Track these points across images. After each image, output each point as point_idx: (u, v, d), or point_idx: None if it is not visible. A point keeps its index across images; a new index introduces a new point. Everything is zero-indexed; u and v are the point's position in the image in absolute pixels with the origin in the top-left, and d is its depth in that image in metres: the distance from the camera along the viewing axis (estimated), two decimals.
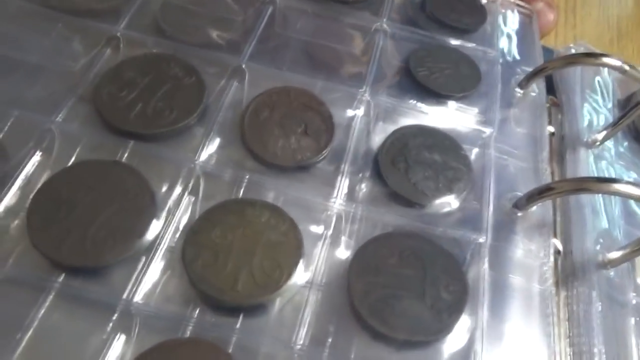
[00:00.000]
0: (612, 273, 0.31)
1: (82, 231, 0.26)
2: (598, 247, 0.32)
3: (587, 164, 0.36)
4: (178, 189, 0.29)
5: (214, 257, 0.26)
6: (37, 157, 0.28)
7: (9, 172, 0.27)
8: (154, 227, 0.27)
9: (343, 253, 0.28)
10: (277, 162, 0.30)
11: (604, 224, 0.34)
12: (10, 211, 0.26)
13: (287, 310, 0.26)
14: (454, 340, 0.25)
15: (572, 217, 0.33)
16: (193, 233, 0.27)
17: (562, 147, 0.37)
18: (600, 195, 0.34)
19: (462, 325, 0.26)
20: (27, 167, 0.28)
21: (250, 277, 0.26)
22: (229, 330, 0.25)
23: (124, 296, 0.25)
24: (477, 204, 0.31)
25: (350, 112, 0.34)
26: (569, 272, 0.31)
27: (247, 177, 0.30)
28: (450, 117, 0.35)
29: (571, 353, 0.27)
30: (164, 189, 0.29)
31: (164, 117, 0.30)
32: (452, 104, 0.36)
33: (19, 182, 0.27)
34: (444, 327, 0.25)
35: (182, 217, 0.28)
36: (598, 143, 0.37)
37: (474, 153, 0.33)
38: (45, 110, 0.30)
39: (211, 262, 0.26)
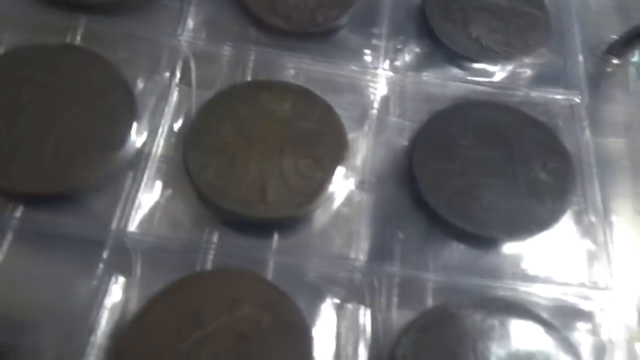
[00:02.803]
0: None
1: (38, 145, 0.18)
2: None
3: None
4: (161, 78, 0.21)
5: (229, 161, 0.19)
6: None
7: None
8: (138, 131, 0.19)
9: (397, 139, 0.21)
10: (291, 27, 0.22)
11: None
12: None
13: (336, 220, 0.19)
14: (562, 231, 0.19)
15: None
16: (195, 133, 0.19)
17: None
18: None
19: (570, 211, 0.19)
20: None
21: (282, 183, 0.19)
22: (263, 253, 0.18)
23: (113, 227, 0.18)
24: (559, 57, 0.23)
25: None
26: None
27: (254, 52, 0.22)
28: None
29: None
30: (142, 79, 0.21)
31: None
32: None
33: None
34: (550, 216, 0.19)
35: (175, 114, 0.20)
36: None
37: None
38: None
39: (226, 169, 0.19)
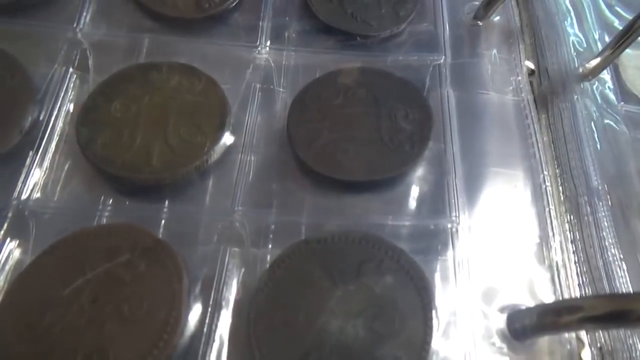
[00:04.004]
0: (595, 84, 0.27)
1: None
2: (575, 57, 0.27)
3: None
4: (60, 67, 0.23)
5: (118, 133, 0.21)
6: None
7: None
8: (36, 113, 0.22)
9: (280, 108, 0.23)
10: (180, 14, 0.24)
11: (578, 33, 0.29)
12: None
13: (220, 178, 0.21)
14: (424, 173, 0.21)
15: (542, 30, 0.28)
16: (86, 111, 0.22)
17: None
18: None
19: (430, 155, 0.21)
20: None
21: (167, 148, 0.21)
22: (152, 212, 0.20)
23: (15, 195, 0.20)
24: (430, 26, 0.26)
25: None
26: (547, 91, 0.26)
27: (147, 39, 0.24)
28: None
29: (560, 175, 0.23)
30: (42, 68, 0.23)
31: None
32: None
33: None
34: (408, 159, 0.21)
35: (73, 98, 0.23)
36: None
37: None
38: None
39: (115, 140, 0.21)
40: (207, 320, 0.18)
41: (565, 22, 0.29)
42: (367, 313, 0.17)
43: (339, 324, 0.17)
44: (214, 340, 0.18)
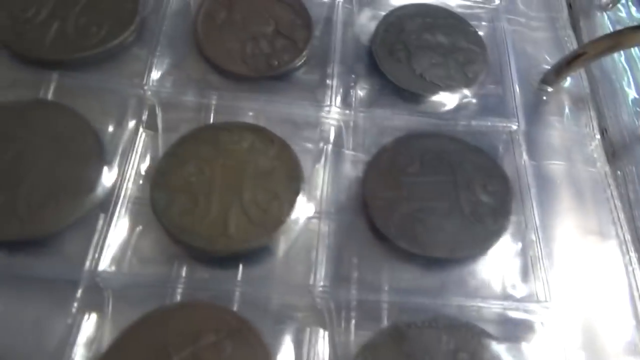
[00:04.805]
0: None
1: (11, 195, 0.19)
2: (635, 117, 0.27)
3: (604, 29, 0.31)
4: (129, 125, 0.22)
5: (193, 199, 0.20)
6: None
7: None
8: (107, 176, 0.21)
9: (351, 170, 0.23)
10: (248, 72, 0.24)
11: (636, 92, 0.29)
12: None
13: (296, 249, 0.21)
14: (504, 249, 0.21)
15: (600, 90, 0.28)
16: (160, 174, 0.21)
17: (573, 14, 0.32)
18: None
19: (511, 230, 0.21)
20: None
21: (243, 216, 0.20)
22: (228, 284, 0.20)
23: (86, 267, 0.19)
24: (498, 88, 0.25)
25: None
26: (607, 151, 0.26)
27: (215, 96, 0.23)
28: None
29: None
30: (111, 127, 0.22)
31: (90, 35, 0.23)
32: None
33: None
34: (491, 235, 0.21)
35: (142, 159, 0.22)
36: (610, 5, 0.32)
37: (483, 29, 0.27)
38: None
39: (190, 207, 0.20)
40: None
41: (623, 81, 0.29)
42: None
43: None
44: None
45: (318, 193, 0.22)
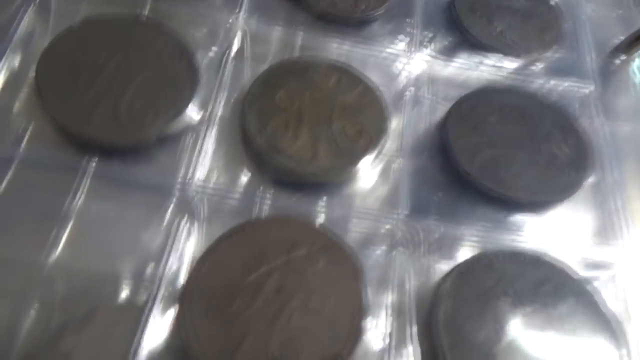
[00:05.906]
0: None
1: (113, 102, 0.20)
2: None
3: None
4: (219, 51, 0.23)
5: (284, 124, 0.21)
6: (31, 14, 0.22)
7: None
8: (202, 95, 0.21)
9: (431, 115, 0.23)
10: (336, 12, 0.24)
11: None
12: (12, 81, 0.20)
13: (379, 184, 0.21)
14: (583, 199, 0.22)
15: None
16: (252, 99, 0.21)
17: None
18: None
19: (590, 182, 0.22)
20: (21, 25, 0.21)
21: (333, 144, 0.21)
22: (313, 206, 0.20)
23: (180, 176, 0.20)
24: (573, 54, 0.26)
25: None
26: None
27: (302, 33, 0.24)
28: None
29: None
30: (202, 50, 0.23)
31: None
32: None
33: (15, 42, 0.20)
34: (571, 184, 0.21)
35: (233, 82, 0.22)
36: None
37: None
38: None
39: (282, 130, 0.21)
40: (387, 325, 0.18)
41: None
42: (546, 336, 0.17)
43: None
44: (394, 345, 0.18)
45: (399, 133, 0.23)
